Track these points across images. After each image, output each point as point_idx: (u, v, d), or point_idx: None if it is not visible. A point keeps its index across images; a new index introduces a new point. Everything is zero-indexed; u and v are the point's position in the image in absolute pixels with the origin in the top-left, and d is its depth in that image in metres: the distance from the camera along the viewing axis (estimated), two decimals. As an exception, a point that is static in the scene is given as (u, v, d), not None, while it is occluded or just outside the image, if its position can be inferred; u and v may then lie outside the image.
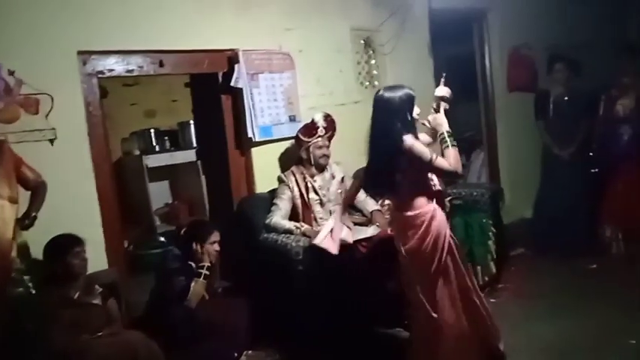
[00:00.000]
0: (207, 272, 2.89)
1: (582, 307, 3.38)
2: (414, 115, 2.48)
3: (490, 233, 3.79)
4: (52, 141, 2.84)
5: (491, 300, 3.66)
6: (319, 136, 3.44)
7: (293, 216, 3.37)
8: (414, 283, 2.51)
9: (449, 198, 3.92)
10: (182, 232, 3.13)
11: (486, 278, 3.76)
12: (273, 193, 3.47)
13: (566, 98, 4.41)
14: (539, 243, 4.51)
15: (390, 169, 2.41)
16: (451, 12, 4.69)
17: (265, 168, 3.65)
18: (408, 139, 2.37)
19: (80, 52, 2.94)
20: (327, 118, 3.51)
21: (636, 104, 4.27)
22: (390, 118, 2.39)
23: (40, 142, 2.80)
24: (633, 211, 4.28)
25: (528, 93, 4.86)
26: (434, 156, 2.38)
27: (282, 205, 3.35)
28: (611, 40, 5.22)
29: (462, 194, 4.05)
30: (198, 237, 2.96)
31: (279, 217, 3.29)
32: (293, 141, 3.63)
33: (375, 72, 4.22)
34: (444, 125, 2.50)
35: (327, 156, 3.47)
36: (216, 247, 2.98)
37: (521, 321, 3.29)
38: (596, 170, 4.48)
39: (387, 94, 2.45)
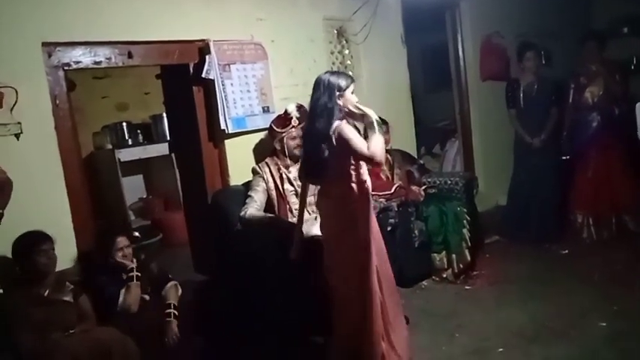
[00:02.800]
0: (138, 273, 2.76)
1: (554, 292, 3.45)
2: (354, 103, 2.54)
3: (465, 221, 3.82)
4: (17, 136, 2.75)
5: (466, 287, 3.72)
6: (293, 127, 3.41)
7: (268, 208, 3.34)
8: (332, 267, 2.59)
9: (424, 187, 3.99)
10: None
11: (461, 266, 3.80)
12: (247, 186, 3.44)
13: (535, 86, 4.44)
14: (512, 230, 4.57)
15: (319, 153, 2.45)
16: (424, 0, 4.70)
17: (239, 160, 3.62)
18: (339, 123, 2.45)
19: (45, 44, 2.85)
20: (301, 108, 3.48)
21: (604, 91, 4.34)
22: (327, 102, 2.45)
23: (4, 136, 2.71)
24: (603, 197, 4.38)
25: (501, 82, 4.88)
26: (360, 141, 2.42)
27: (257, 197, 3.31)
28: (579, 28, 5.29)
29: (437, 183, 4.09)
30: (104, 252, 2.81)
31: (253, 209, 3.25)
32: (267, 132, 3.60)
33: (348, 62, 4.21)
34: (374, 114, 2.53)
35: (300, 147, 3.45)
36: (126, 251, 2.81)
37: (495, 306, 3.35)
38: (567, 157, 4.56)
39: (331, 79, 2.50)
